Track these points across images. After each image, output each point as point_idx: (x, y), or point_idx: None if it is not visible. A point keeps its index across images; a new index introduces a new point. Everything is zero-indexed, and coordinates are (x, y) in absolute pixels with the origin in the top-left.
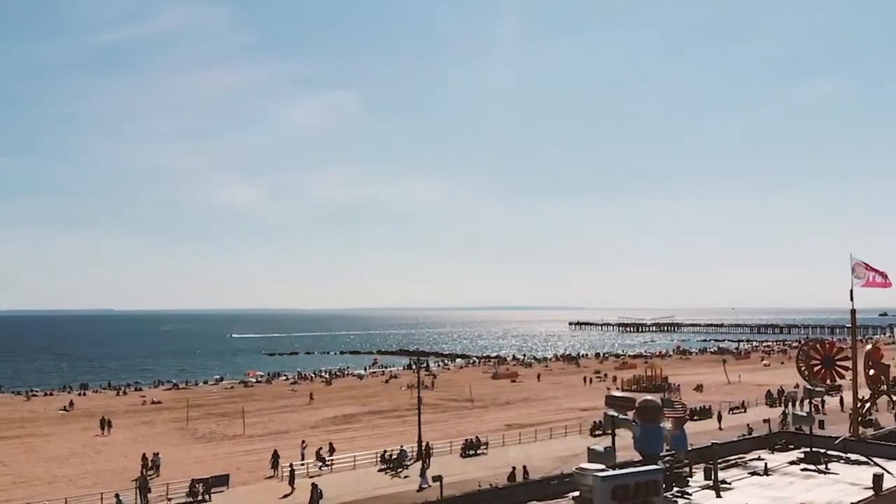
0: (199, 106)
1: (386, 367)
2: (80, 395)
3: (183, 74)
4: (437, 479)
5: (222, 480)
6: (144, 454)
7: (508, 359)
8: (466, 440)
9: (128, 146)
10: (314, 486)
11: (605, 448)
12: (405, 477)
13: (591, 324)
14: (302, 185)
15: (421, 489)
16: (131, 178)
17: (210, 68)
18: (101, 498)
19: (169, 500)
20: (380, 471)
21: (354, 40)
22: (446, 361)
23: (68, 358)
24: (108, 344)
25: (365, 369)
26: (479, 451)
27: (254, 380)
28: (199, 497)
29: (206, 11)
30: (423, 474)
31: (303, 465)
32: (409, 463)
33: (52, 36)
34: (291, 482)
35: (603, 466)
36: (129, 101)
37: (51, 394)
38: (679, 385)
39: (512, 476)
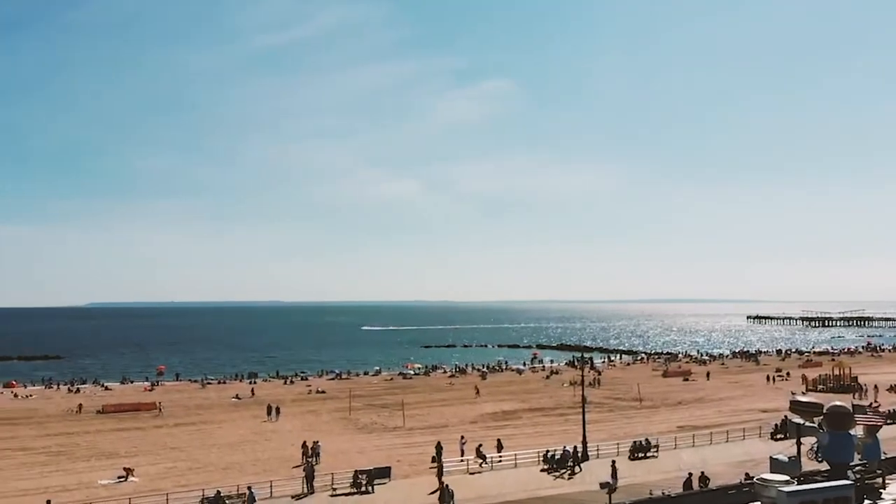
0: (356, 102)
1: (542, 361)
2: (250, 383)
3: (340, 73)
4: (605, 485)
5: (384, 472)
6: (304, 442)
7: (680, 355)
8: (635, 442)
9: (288, 145)
10: (444, 485)
11: (790, 458)
12: (569, 478)
13: (770, 318)
14: (457, 177)
15: (614, 489)
16: (292, 176)
17: (366, 65)
18: (271, 486)
19: (334, 489)
20: (542, 470)
21: (510, 29)
22: (611, 357)
23: (239, 348)
24: (274, 334)
25: (524, 364)
26: (648, 454)
27: (412, 372)
28: (363, 488)
29: (362, 10)
30: (614, 475)
31: (462, 461)
32: (572, 463)
33: (215, 41)
34: (439, 477)
35: (787, 478)
36: (289, 101)
37: (224, 382)
38: (870, 386)
39: (688, 483)
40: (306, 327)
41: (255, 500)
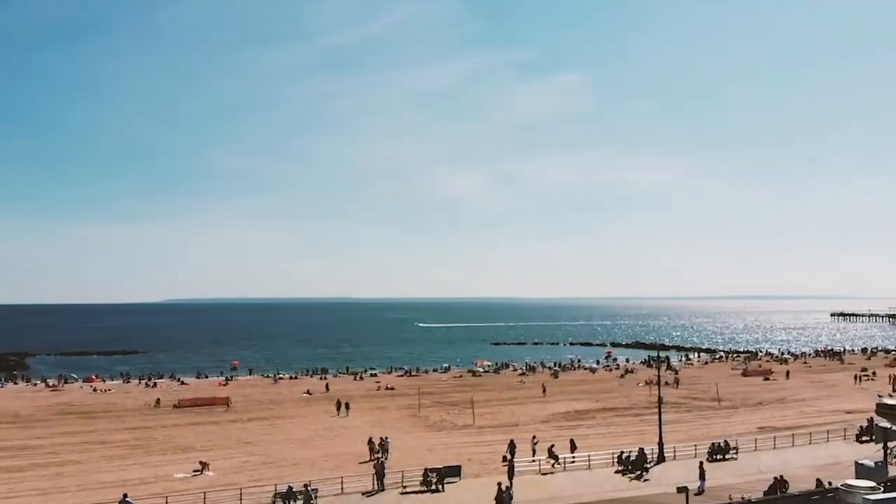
0: (426, 99)
1: (616, 360)
2: (320, 378)
3: (410, 69)
4: (682, 489)
5: (455, 471)
6: (371, 438)
7: (760, 354)
8: (713, 443)
9: (358, 142)
10: (503, 486)
11: (876, 463)
12: (645, 480)
13: (856, 315)
14: (526, 171)
15: (700, 492)
16: (362, 173)
17: (436, 61)
18: (342, 482)
19: (404, 487)
20: (616, 472)
21: (581, 23)
22: (689, 356)
23: (310, 343)
24: (343, 330)
25: (597, 362)
26: (727, 456)
27: (481, 369)
28: (433, 486)
29: (433, 7)
30: (702, 476)
31: (534, 461)
32: (649, 465)
33: (289, 41)
34: (510, 478)
35: (873, 484)
36: (360, 98)
37: (295, 377)
38: None
39: (773, 488)
40: (370, 323)
41: (312, 499)
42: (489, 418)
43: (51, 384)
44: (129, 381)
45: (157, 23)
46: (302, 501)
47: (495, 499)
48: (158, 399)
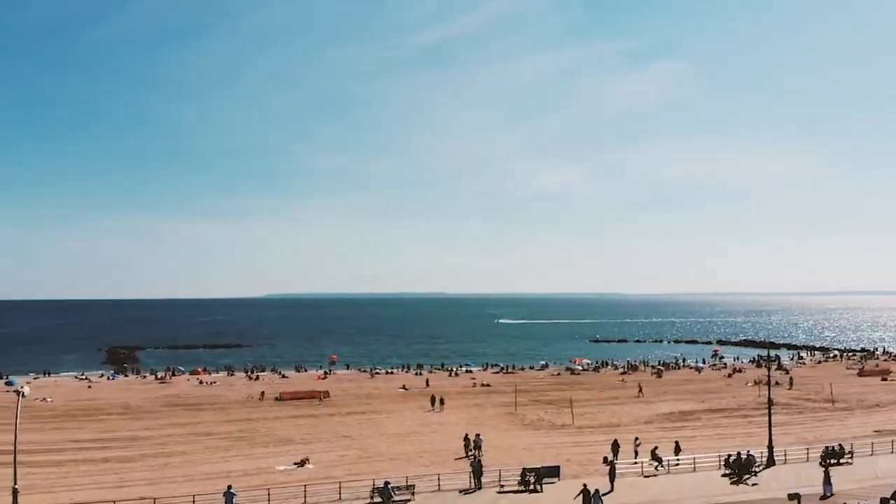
0: (520, 92)
1: (723, 358)
2: (415, 374)
3: (503, 63)
4: (794, 497)
5: (553, 471)
6: (466, 435)
7: (878, 352)
8: (827, 447)
9: (452, 138)
10: (585, 487)
11: None
12: (753, 485)
13: None
14: (627, 163)
15: (825, 497)
16: (456, 169)
17: (532, 53)
18: (438, 479)
19: (501, 486)
20: (723, 476)
21: (684, 9)
22: (801, 354)
23: (405, 338)
24: (438, 326)
25: (703, 361)
26: (841, 461)
27: (580, 367)
28: (531, 486)
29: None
30: (827, 481)
31: (636, 463)
32: (757, 469)
33: (380, 39)
34: (612, 479)
35: None
36: (453, 94)
37: (391, 372)
38: None
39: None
40: (465, 319)
41: (391, 497)
42: (589, 418)
43: (159, 377)
44: (232, 374)
45: (250, 25)
46: (399, 497)
47: (584, 501)
48: (263, 392)
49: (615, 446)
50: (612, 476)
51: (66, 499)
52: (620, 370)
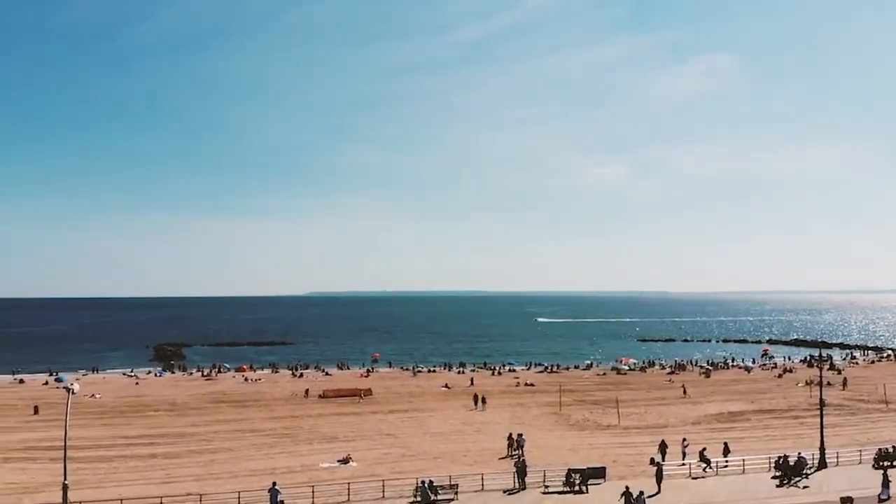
0: (565, 87)
1: (773, 358)
2: (458, 373)
3: (548, 58)
4: (847, 500)
5: (599, 472)
6: (510, 434)
7: None
8: (880, 449)
9: (492, 134)
10: (627, 490)
11: None
12: (804, 487)
13: None
14: (673, 159)
15: (882, 501)
16: (496, 165)
17: (575, 48)
18: (482, 478)
19: (546, 486)
20: (773, 478)
21: (730, 0)
22: (854, 354)
23: (447, 337)
24: (481, 324)
25: (752, 361)
26: (895, 463)
27: (626, 367)
28: (576, 487)
29: None
30: (885, 484)
31: (684, 464)
32: (808, 471)
33: (421, 35)
34: (659, 481)
35: None
36: (496, 90)
37: (434, 370)
38: None
39: None
40: (508, 317)
41: (431, 497)
42: (635, 419)
43: (205, 373)
44: (277, 372)
45: (293, 23)
46: (443, 496)
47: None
48: (307, 389)
49: (662, 447)
50: (658, 478)
51: (115, 494)
52: (668, 370)
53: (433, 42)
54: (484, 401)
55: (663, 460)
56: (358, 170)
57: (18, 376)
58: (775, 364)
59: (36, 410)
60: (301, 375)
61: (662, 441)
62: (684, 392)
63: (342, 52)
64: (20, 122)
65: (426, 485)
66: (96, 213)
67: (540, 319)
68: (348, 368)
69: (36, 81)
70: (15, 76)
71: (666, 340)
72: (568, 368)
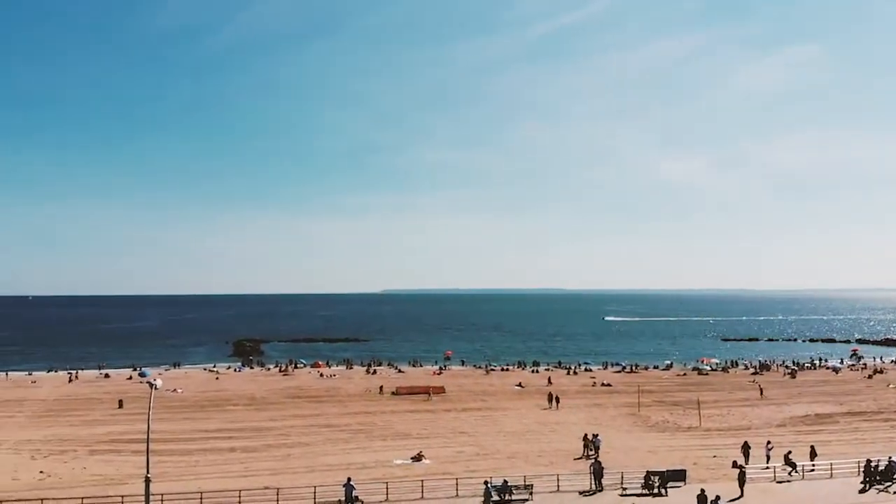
0: (640, 81)
1: (863, 358)
2: (532, 371)
3: (622, 52)
4: None
5: (679, 475)
6: (585, 435)
7: None
8: None
9: (565, 129)
10: (703, 493)
11: None
12: (895, 493)
13: None
14: (753, 153)
15: None
16: (570, 160)
17: (650, 42)
18: (557, 479)
19: (623, 489)
20: (863, 483)
21: None
22: None
23: (521, 335)
24: (555, 322)
25: (841, 361)
26: None
27: (708, 367)
28: (654, 490)
29: None
30: None
31: (768, 468)
32: None
33: (495, 32)
34: (741, 485)
35: None
36: (569, 85)
37: (507, 369)
38: None
39: None
40: (584, 316)
41: (491, 497)
42: (717, 420)
43: (282, 369)
44: (351, 368)
45: (369, 26)
46: (517, 497)
47: None
48: (382, 386)
49: (745, 450)
50: (741, 481)
51: (195, 487)
52: (751, 370)
53: (505, 39)
54: (558, 400)
55: (746, 463)
56: (432, 168)
57: (104, 371)
58: (865, 364)
59: (121, 404)
60: (374, 372)
61: (745, 443)
62: (761, 393)
63: (416, 52)
64: (114, 122)
65: (490, 485)
66: (182, 212)
67: (608, 318)
68: (421, 366)
69: (126, 84)
70: (114, 79)
71: (749, 340)
72: (647, 368)
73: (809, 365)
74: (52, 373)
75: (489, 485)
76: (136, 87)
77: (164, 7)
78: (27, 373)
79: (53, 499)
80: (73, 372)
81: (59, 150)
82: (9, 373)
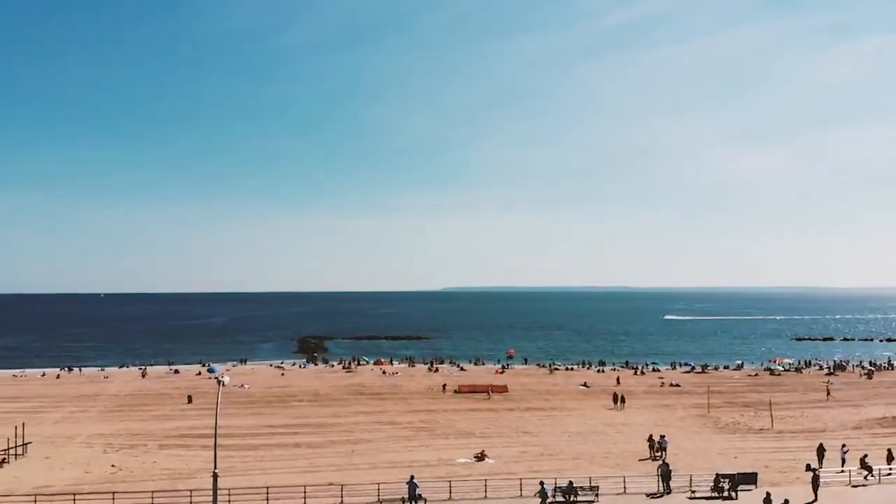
0: (708, 72)
1: None
2: (597, 371)
3: (690, 43)
4: None
5: (750, 478)
6: (651, 436)
7: None
8: None
9: (633, 123)
10: (768, 497)
11: None
12: None
13: None
14: (832, 146)
15: None
16: (638, 155)
17: (721, 32)
18: (624, 481)
19: (692, 491)
20: None
21: None
22: None
23: (587, 334)
24: (621, 321)
25: None
26: None
27: (781, 367)
28: (724, 493)
29: None
30: None
31: (843, 472)
32: None
33: (558, 27)
34: (815, 489)
35: None
36: (634, 79)
37: (571, 368)
38: None
39: None
40: (650, 314)
41: (547, 498)
42: (790, 422)
43: (345, 366)
44: (413, 365)
45: (432, 23)
46: (583, 498)
47: None
48: (445, 384)
49: (820, 453)
50: (815, 485)
51: (261, 481)
52: (825, 371)
53: (569, 33)
54: (623, 400)
55: (820, 466)
56: (494, 164)
57: (174, 367)
58: None
59: (190, 399)
60: (436, 370)
61: (820, 445)
62: (828, 393)
63: (479, 49)
64: (176, 124)
65: (545, 486)
66: (247, 212)
67: (668, 317)
68: (483, 364)
69: (191, 86)
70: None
71: (823, 339)
72: (717, 368)
73: (887, 365)
74: (124, 368)
75: (544, 485)
76: (214, 88)
77: (233, 10)
78: (100, 368)
79: (124, 492)
80: (144, 367)
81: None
82: (83, 368)
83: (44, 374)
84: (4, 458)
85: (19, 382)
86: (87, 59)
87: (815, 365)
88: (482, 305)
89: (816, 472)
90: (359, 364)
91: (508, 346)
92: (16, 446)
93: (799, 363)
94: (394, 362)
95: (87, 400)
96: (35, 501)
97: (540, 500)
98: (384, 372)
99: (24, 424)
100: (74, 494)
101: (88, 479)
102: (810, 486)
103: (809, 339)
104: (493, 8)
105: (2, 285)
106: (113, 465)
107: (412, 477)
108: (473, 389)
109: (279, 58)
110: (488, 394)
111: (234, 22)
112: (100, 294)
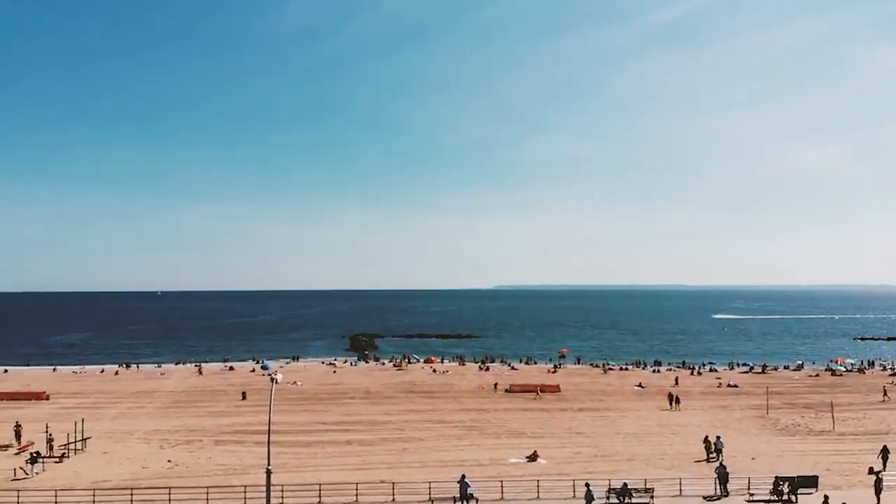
0: (770, 65)
1: None
2: (653, 371)
3: (750, 35)
4: None
5: (811, 481)
6: (707, 437)
7: None
8: None
9: (691, 120)
10: (827, 500)
11: None
12: None
13: None
14: (889, 140)
15: None
16: (696, 152)
17: (782, 23)
18: (680, 483)
19: (751, 494)
20: None
21: None
22: None
23: (640, 334)
24: (676, 320)
25: None
26: None
27: (843, 368)
28: (784, 496)
29: None
30: None
31: None
32: None
33: (612, 22)
34: (878, 492)
35: None
36: (694, 73)
37: (626, 368)
38: None
39: None
40: (706, 313)
41: (593, 499)
42: (852, 424)
43: (396, 363)
44: (464, 364)
45: (484, 21)
46: (638, 500)
47: None
48: (496, 384)
49: (884, 455)
50: (877, 488)
51: (313, 478)
52: (889, 371)
53: (624, 28)
54: (678, 401)
55: (884, 469)
56: (546, 162)
57: (229, 364)
58: None
59: (244, 396)
60: (487, 369)
61: (884, 447)
62: (885, 394)
63: (532, 46)
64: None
65: (590, 487)
66: (301, 210)
67: (716, 316)
68: (535, 363)
69: (248, 85)
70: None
71: (888, 339)
72: (776, 369)
73: None
74: (180, 365)
75: (590, 487)
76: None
77: (286, 10)
78: (157, 365)
79: (180, 487)
80: (200, 364)
81: (184, 152)
82: (140, 365)
83: (103, 371)
84: (65, 453)
85: (79, 378)
86: (163, 58)
87: (878, 365)
88: (533, 304)
89: (879, 476)
90: (409, 362)
91: (560, 345)
92: (76, 441)
93: (861, 363)
94: (444, 361)
95: (144, 396)
96: (94, 495)
97: (585, 501)
98: (435, 370)
99: (83, 420)
100: (132, 489)
101: (145, 474)
102: (873, 489)
103: (872, 338)
104: (542, 6)
105: (67, 284)
106: (169, 461)
107: (463, 476)
108: (525, 389)
109: (329, 58)
110: (537, 393)
111: (287, 22)
112: (157, 292)
